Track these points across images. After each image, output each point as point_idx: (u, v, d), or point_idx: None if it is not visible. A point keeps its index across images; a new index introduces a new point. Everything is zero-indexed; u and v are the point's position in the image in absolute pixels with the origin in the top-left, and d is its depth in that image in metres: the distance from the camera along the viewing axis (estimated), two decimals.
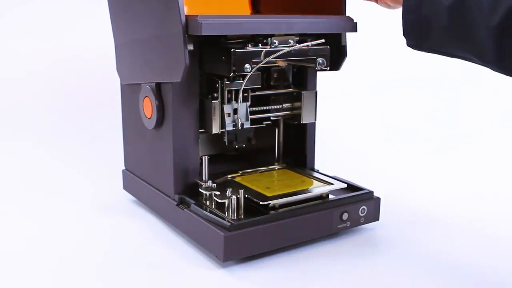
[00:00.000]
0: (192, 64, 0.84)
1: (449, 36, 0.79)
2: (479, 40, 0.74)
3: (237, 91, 0.92)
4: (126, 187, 1.11)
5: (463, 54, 0.80)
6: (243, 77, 0.90)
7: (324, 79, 1.15)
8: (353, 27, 0.95)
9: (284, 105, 1.02)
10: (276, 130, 1.07)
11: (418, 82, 1.97)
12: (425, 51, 0.85)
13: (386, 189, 1.02)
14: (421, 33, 0.82)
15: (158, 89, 0.93)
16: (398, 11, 0.90)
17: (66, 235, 0.94)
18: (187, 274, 0.81)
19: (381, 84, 1.95)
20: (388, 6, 0.94)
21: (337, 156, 1.39)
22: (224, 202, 0.85)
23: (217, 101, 0.91)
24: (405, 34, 0.85)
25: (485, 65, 0.76)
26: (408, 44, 0.86)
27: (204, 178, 0.89)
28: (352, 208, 0.91)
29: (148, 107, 0.95)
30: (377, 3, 0.95)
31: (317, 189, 0.92)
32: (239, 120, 0.94)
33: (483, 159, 1.39)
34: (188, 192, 0.92)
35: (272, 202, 0.86)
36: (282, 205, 0.87)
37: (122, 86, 1.08)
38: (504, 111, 1.66)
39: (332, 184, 0.94)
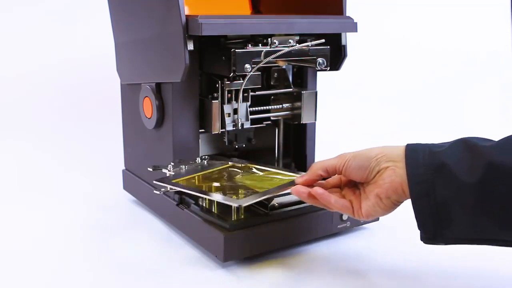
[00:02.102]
0: (192, 64, 0.84)
1: (480, 217, 0.63)
2: None
3: (237, 91, 0.92)
4: (126, 187, 1.11)
5: (505, 237, 0.64)
6: (243, 77, 0.90)
7: (324, 79, 1.15)
8: (353, 27, 0.95)
9: (284, 105, 1.01)
10: (276, 130, 1.07)
11: (418, 82, 1.97)
12: (448, 243, 0.68)
13: None
14: (441, 220, 0.65)
15: (158, 89, 0.93)
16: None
17: (65, 235, 0.94)
18: (187, 274, 0.80)
19: (381, 84, 1.95)
20: (381, 206, 0.71)
21: None
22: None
23: (217, 101, 0.91)
24: (420, 225, 0.67)
25: None
26: (424, 238, 0.68)
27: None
28: None
29: (148, 107, 0.95)
30: (353, 215, 0.74)
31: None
32: (239, 120, 0.94)
33: None
34: None
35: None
36: (282, 205, 0.87)
37: (122, 86, 1.08)
38: (504, 112, 1.66)
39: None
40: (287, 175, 0.91)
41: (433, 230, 0.67)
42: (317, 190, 0.75)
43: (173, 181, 0.87)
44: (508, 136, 0.65)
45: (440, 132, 1.60)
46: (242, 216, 0.84)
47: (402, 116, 1.74)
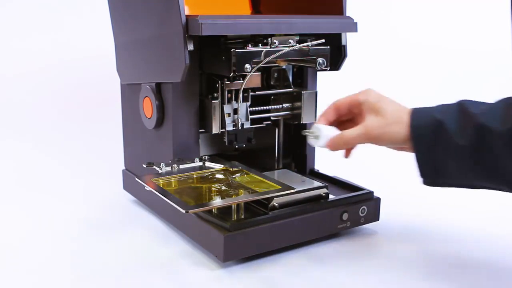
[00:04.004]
0: (192, 64, 0.84)
1: (471, 173, 0.75)
2: (509, 171, 0.71)
3: (237, 91, 0.92)
4: (126, 187, 1.11)
5: (488, 185, 0.76)
6: (243, 77, 0.90)
7: (324, 79, 1.15)
8: (353, 27, 0.95)
9: (284, 105, 1.01)
10: (276, 130, 1.07)
11: (418, 82, 1.97)
12: (443, 186, 0.79)
13: (386, 189, 1.02)
14: (438, 173, 0.77)
15: (158, 89, 0.93)
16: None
17: (65, 235, 0.94)
18: (187, 274, 0.81)
19: (381, 84, 1.95)
20: (394, 148, 0.85)
21: (337, 156, 1.39)
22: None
23: (217, 101, 0.91)
24: (421, 175, 0.79)
25: None
26: (424, 183, 0.80)
27: None
28: (352, 208, 0.91)
29: (148, 107, 0.95)
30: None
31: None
32: (239, 120, 0.94)
33: None
34: None
35: (272, 203, 0.86)
36: (282, 205, 0.87)
37: (122, 86, 1.08)
38: None
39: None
40: (271, 184, 0.87)
41: (432, 179, 0.78)
42: None
43: (153, 179, 0.87)
44: (494, 103, 0.76)
45: None
46: (242, 216, 0.84)
47: None
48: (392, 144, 0.81)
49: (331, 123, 0.87)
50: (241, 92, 0.92)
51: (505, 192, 0.76)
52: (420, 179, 0.79)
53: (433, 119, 0.77)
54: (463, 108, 0.76)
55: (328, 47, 0.92)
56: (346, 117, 0.88)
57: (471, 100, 0.77)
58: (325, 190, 0.91)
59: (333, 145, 0.84)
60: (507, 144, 0.70)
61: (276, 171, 1.03)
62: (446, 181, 0.78)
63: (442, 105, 0.79)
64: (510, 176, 0.72)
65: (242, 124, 0.94)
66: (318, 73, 1.03)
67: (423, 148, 0.77)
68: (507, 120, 0.71)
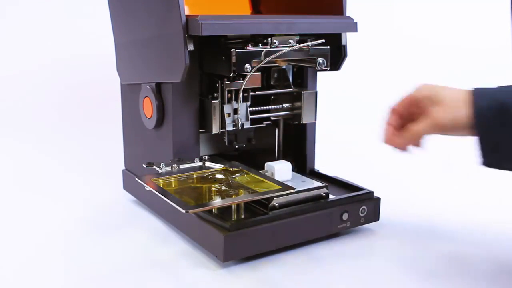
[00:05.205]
0: (192, 64, 0.84)
1: None
2: None
3: (237, 91, 0.93)
4: (126, 187, 1.11)
5: None
6: (243, 77, 0.90)
7: (324, 79, 1.15)
8: (353, 27, 0.95)
9: (284, 105, 1.01)
10: (276, 130, 1.07)
11: (418, 82, 1.96)
12: (504, 169, 0.78)
13: (386, 189, 1.02)
14: (501, 155, 0.76)
15: (158, 89, 0.93)
16: None
17: (65, 235, 0.94)
18: (187, 274, 0.81)
19: (381, 84, 1.95)
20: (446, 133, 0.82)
21: (337, 156, 1.39)
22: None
23: (217, 101, 0.91)
24: (483, 155, 0.77)
25: None
26: (484, 164, 0.78)
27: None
28: (352, 208, 0.91)
29: (148, 107, 0.95)
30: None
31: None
32: (239, 120, 0.94)
33: None
34: None
35: (273, 203, 0.86)
36: (282, 205, 0.87)
37: (122, 86, 1.08)
38: None
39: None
40: (271, 184, 0.87)
41: (494, 160, 0.77)
42: None
43: (153, 179, 0.87)
44: None
45: None
46: (242, 216, 0.84)
47: None
48: (457, 129, 0.79)
49: (399, 125, 0.86)
50: (241, 92, 0.92)
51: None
52: (480, 160, 0.77)
53: (496, 101, 0.76)
54: None
55: (328, 47, 0.92)
56: (405, 119, 0.87)
57: None
58: (325, 190, 0.91)
59: (400, 141, 0.82)
60: None
61: None
62: (508, 164, 0.77)
63: (504, 86, 0.79)
64: None
65: (242, 124, 0.94)
66: (318, 73, 1.03)
67: (486, 129, 0.76)
68: None
